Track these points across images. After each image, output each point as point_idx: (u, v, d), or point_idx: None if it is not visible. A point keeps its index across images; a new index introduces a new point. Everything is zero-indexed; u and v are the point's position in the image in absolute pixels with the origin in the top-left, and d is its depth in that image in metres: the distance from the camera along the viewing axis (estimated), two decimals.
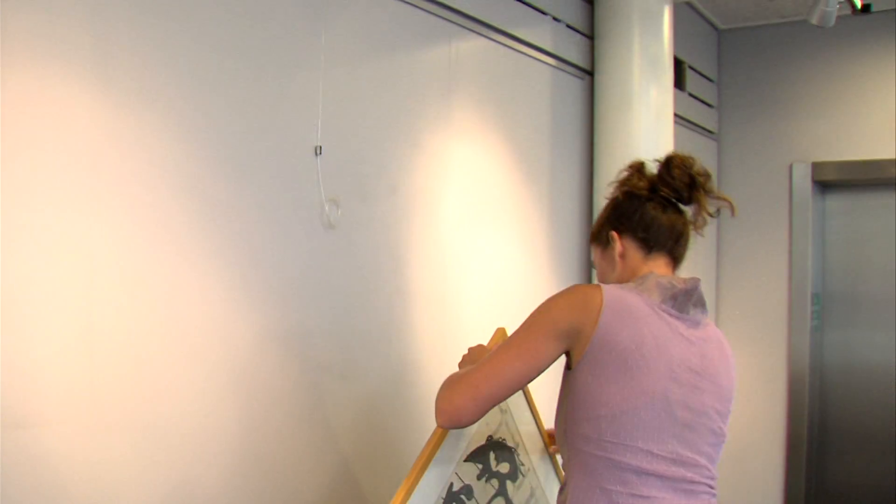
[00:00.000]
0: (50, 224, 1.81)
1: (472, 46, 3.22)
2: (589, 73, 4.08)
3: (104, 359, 1.90)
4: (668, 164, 1.92)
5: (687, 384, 1.77)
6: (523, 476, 2.29)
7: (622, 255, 1.94)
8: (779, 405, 5.21)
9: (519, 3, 3.50)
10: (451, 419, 1.80)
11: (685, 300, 1.83)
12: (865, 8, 4.14)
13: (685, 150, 2.00)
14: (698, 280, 1.87)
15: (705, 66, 5.36)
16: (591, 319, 1.74)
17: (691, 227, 1.96)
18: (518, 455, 2.29)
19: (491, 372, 1.77)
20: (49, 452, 1.79)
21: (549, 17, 3.73)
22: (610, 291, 1.80)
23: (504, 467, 2.24)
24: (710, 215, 1.95)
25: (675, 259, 1.96)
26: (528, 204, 3.52)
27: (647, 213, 1.91)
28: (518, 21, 3.49)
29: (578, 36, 4.00)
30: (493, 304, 3.23)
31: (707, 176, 1.94)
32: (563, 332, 1.78)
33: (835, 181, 5.27)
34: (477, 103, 3.22)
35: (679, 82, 4.79)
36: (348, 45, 2.57)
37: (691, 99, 5.10)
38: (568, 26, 3.90)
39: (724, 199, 1.96)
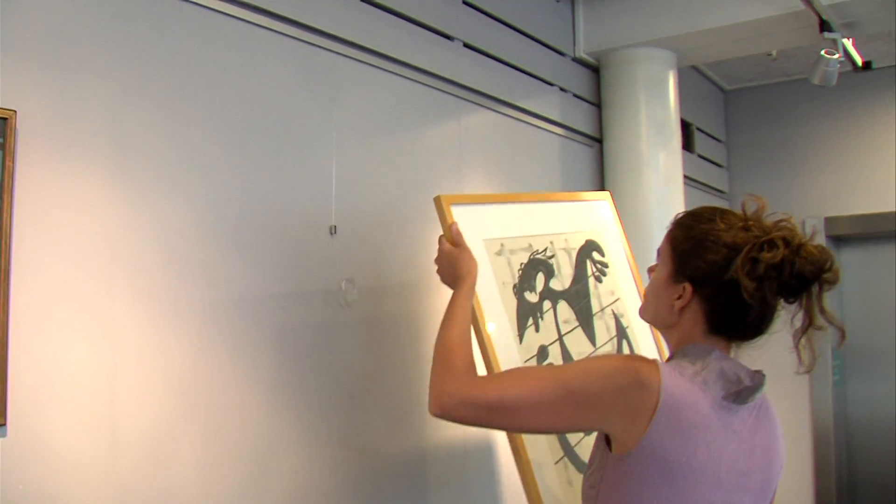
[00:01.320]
0: (71, 310, 1.82)
1: (481, 119, 3.25)
2: (598, 141, 4.10)
3: (126, 439, 1.90)
4: (799, 249, 1.56)
5: (731, 487, 1.57)
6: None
7: (681, 310, 1.65)
8: (805, 462, 5.11)
9: (525, 76, 3.54)
10: (447, 413, 1.65)
11: (748, 395, 1.59)
12: (867, 65, 4.16)
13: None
14: (763, 375, 1.65)
15: (713, 127, 5.39)
16: (643, 418, 1.49)
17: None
18: None
19: (517, 405, 1.58)
20: None
21: (556, 88, 3.77)
22: (669, 384, 1.51)
23: None
24: (818, 327, 1.59)
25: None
26: None
27: (742, 299, 1.56)
28: (525, 93, 3.52)
29: (586, 105, 4.04)
30: None
31: (835, 283, 1.58)
32: (605, 414, 1.55)
33: (848, 235, 5.25)
34: (487, 175, 3.24)
35: (688, 144, 4.82)
36: (359, 125, 2.60)
37: (701, 160, 5.12)
38: (575, 95, 3.94)
39: (838, 326, 1.60)
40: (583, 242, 2.42)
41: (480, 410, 1.61)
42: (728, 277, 1.55)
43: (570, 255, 2.35)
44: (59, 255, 1.81)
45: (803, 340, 1.60)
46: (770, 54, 4.80)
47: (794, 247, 1.54)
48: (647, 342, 2.56)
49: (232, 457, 2.13)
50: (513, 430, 1.74)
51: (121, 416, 1.90)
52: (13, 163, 1.71)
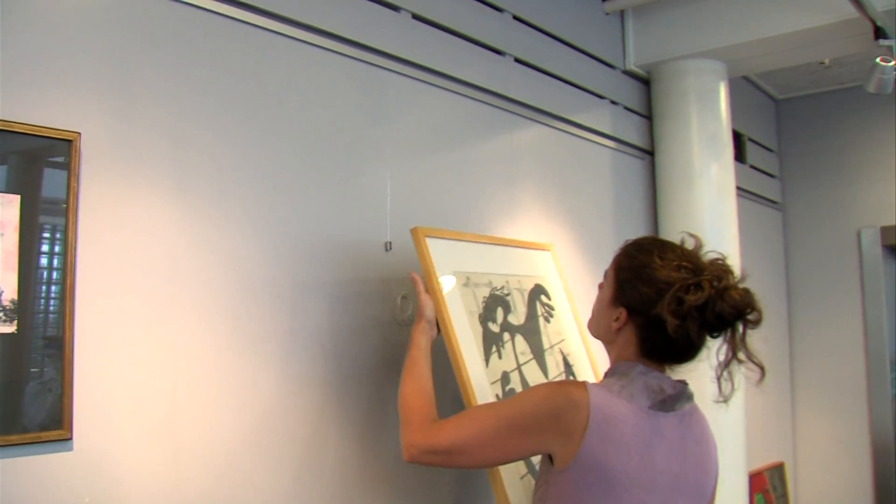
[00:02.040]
0: (133, 327, 1.84)
1: (533, 134, 3.23)
2: (649, 153, 4.07)
3: (187, 455, 1.91)
4: (724, 292, 1.65)
5: (666, 489, 1.68)
6: None
7: (618, 331, 1.78)
8: (864, 477, 4.99)
9: (576, 89, 3.52)
10: (415, 460, 1.83)
11: (672, 403, 1.71)
12: None
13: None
14: (686, 384, 1.77)
15: (765, 138, 5.31)
16: (577, 434, 1.62)
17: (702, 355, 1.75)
18: None
19: (466, 445, 1.75)
20: None
21: (606, 101, 3.74)
22: (596, 401, 1.64)
23: None
24: (739, 361, 1.70)
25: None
26: (592, 288, 3.47)
27: (664, 333, 1.67)
28: (576, 106, 3.50)
29: (637, 117, 4.00)
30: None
31: (758, 323, 1.69)
32: (543, 437, 1.67)
33: None
34: (540, 189, 3.22)
35: (740, 155, 4.75)
36: (412, 141, 2.60)
37: (753, 171, 5.05)
38: (626, 108, 3.91)
39: (758, 364, 1.70)
40: (532, 285, 2.61)
41: (440, 456, 1.79)
42: (655, 312, 1.67)
43: (522, 294, 2.54)
44: (122, 274, 1.83)
45: (725, 373, 1.72)
46: (823, 63, 4.72)
47: (720, 289, 1.65)
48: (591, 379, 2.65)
49: (290, 472, 2.13)
50: (473, 468, 1.87)
51: (182, 431, 1.91)
52: (77, 183, 1.73)
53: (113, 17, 1.88)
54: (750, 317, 1.67)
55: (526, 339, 2.44)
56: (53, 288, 1.71)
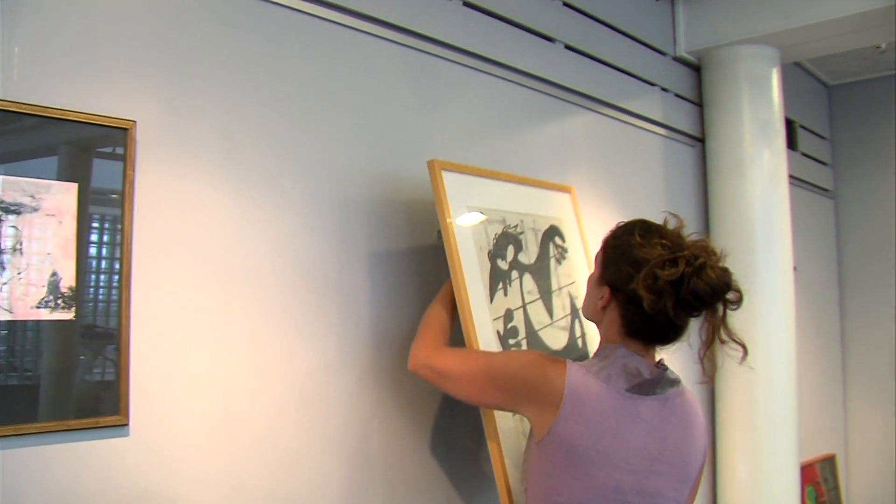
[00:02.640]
0: (188, 314, 1.84)
1: (583, 121, 3.19)
2: (700, 141, 3.99)
3: (240, 441, 1.91)
4: (700, 270, 1.65)
5: (642, 471, 1.69)
6: None
7: (603, 309, 1.79)
8: None
9: (626, 76, 3.46)
10: (415, 371, 2.01)
11: (650, 387, 1.72)
12: None
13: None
14: (665, 368, 1.77)
15: (817, 124, 5.20)
16: (550, 407, 1.69)
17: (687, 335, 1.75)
18: None
19: (454, 376, 1.92)
20: None
21: (657, 88, 3.68)
22: (573, 380, 1.69)
23: None
24: (721, 341, 1.70)
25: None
26: None
27: (645, 311, 1.67)
28: (626, 93, 3.45)
29: (687, 104, 3.93)
30: None
31: (738, 303, 1.70)
32: (516, 399, 1.79)
33: None
34: (591, 177, 3.18)
35: (791, 142, 4.65)
36: (462, 128, 2.58)
37: (804, 158, 4.94)
38: (677, 95, 3.84)
39: (739, 342, 1.71)
40: (547, 226, 2.58)
41: (434, 374, 1.96)
42: (632, 288, 1.68)
43: (536, 234, 2.51)
44: (177, 262, 1.83)
45: (708, 353, 1.71)
46: (878, 47, 4.59)
47: (696, 266, 1.64)
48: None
49: (344, 461, 2.13)
50: (456, 397, 1.95)
51: (236, 417, 1.91)
52: (133, 172, 1.73)
53: (167, 4, 1.87)
54: (729, 297, 1.68)
55: (534, 278, 2.43)
56: (110, 276, 1.71)
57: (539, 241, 2.51)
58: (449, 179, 2.19)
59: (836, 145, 5.39)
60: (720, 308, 1.69)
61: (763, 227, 3.78)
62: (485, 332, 2.12)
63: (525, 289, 2.38)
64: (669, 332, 1.73)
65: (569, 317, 2.54)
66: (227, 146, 1.95)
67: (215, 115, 1.93)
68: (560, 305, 2.51)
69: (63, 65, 1.68)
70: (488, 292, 2.21)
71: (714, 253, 1.69)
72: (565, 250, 2.63)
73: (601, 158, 3.27)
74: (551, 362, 1.75)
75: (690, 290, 1.63)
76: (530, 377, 1.75)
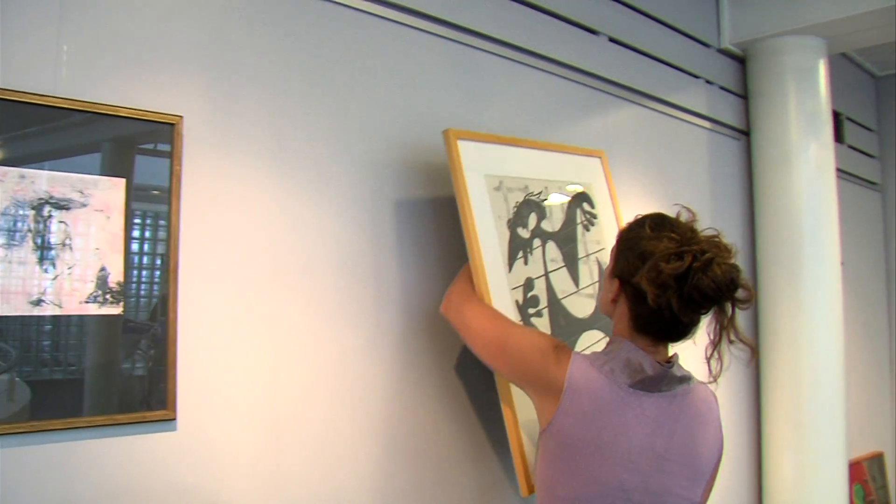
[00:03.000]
0: (235, 309, 1.84)
1: (628, 114, 3.15)
2: (745, 134, 3.92)
3: (288, 436, 1.91)
4: (706, 266, 1.59)
5: (646, 470, 1.64)
6: None
7: (614, 302, 1.76)
8: None
9: (670, 69, 3.41)
10: (444, 314, 2.05)
11: (653, 384, 1.67)
12: None
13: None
14: (671, 365, 1.70)
15: (864, 116, 5.09)
16: (551, 397, 1.68)
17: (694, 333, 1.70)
18: None
19: (472, 332, 1.94)
20: None
21: (701, 81, 3.62)
22: (575, 372, 1.66)
23: None
24: (730, 341, 1.65)
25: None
26: None
27: (652, 306, 1.62)
28: (671, 86, 3.40)
29: (732, 97, 3.86)
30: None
31: (747, 302, 1.63)
32: (517, 372, 1.82)
33: None
34: (636, 171, 3.14)
35: (838, 135, 4.55)
36: (508, 121, 2.54)
37: (851, 151, 4.85)
38: (721, 88, 3.78)
39: (748, 343, 1.65)
40: (575, 192, 2.53)
41: (460, 322, 1.99)
42: (636, 280, 1.63)
43: (562, 201, 2.47)
44: (224, 256, 1.83)
45: (715, 353, 1.66)
46: None
47: (703, 262, 1.58)
48: None
49: (394, 455, 2.12)
50: (473, 352, 1.96)
51: (283, 412, 1.90)
52: (180, 167, 1.73)
53: (212, 0, 1.87)
54: (738, 295, 1.62)
55: (559, 246, 2.39)
56: (156, 272, 1.71)
57: (565, 207, 2.46)
58: (466, 148, 2.14)
59: (883, 137, 5.28)
60: (728, 306, 1.63)
61: (810, 221, 3.71)
62: (502, 302, 2.09)
63: (548, 257, 2.34)
64: (676, 329, 1.67)
65: (596, 284, 2.49)
66: (271, 141, 1.94)
67: (260, 110, 1.93)
68: (587, 272, 2.46)
69: (110, 61, 1.68)
70: (507, 261, 2.17)
71: (724, 249, 1.63)
72: (594, 216, 2.58)
73: (646, 152, 3.23)
74: (557, 352, 1.72)
75: (694, 286, 1.57)
76: (534, 363, 1.74)
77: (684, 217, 1.72)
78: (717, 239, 1.65)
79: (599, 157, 2.70)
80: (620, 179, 3.00)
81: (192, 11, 1.83)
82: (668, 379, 1.68)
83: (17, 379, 1.53)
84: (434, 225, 2.30)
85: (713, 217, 3.61)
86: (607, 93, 3.02)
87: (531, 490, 1.96)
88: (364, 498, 2.06)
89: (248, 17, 1.93)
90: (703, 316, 1.66)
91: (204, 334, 1.78)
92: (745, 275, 1.62)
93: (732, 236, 3.69)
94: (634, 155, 3.15)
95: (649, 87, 3.24)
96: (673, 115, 3.42)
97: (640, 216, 1.78)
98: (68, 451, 1.58)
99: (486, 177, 2.19)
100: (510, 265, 2.18)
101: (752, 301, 1.64)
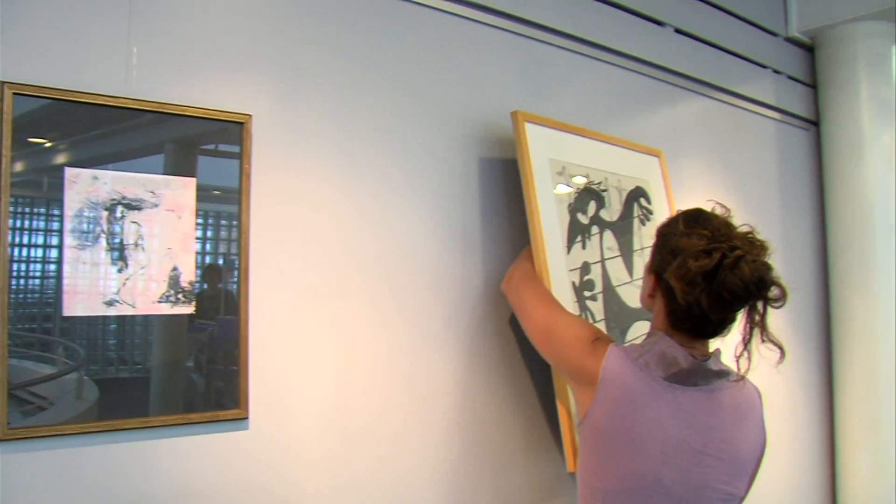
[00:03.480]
0: (305, 308, 1.83)
1: (695, 107, 3.08)
2: (815, 124, 3.81)
3: (358, 434, 1.90)
4: (735, 263, 1.55)
5: (684, 464, 1.60)
6: None
7: (651, 298, 1.74)
8: None
9: (737, 59, 3.32)
10: (504, 291, 2.09)
11: (688, 377, 1.63)
12: None
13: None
14: (706, 358, 1.65)
15: None
16: (588, 388, 1.67)
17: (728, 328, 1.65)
18: None
19: (525, 313, 1.96)
20: None
21: (769, 70, 3.53)
22: (610, 364, 1.64)
23: None
24: (761, 339, 1.60)
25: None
26: None
27: (681, 303, 1.60)
28: (737, 76, 3.31)
29: (801, 86, 3.76)
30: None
31: (780, 300, 1.58)
32: (558, 363, 1.84)
33: None
34: (704, 164, 3.07)
35: None
36: (574, 114, 2.49)
37: None
38: (789, 77, 3.67)
39: (776, 343, 1.60)
40: (633, 186, 2.52)
41: (517, 302, 2.02)
42: (667, 276, 1.61)
43: (620, 193, 2.47)
44: (293, 255, 1.81)
45: (745, 351, 1.61)
46: None
47: (732, 259, 1.54)
48: None
49: (467, 456, 2.09)
50: (525, 331, 1.98)
51: (353, 410, 1.89)
52: (249, 166, 1.72)
53: None
54: (771, 294, 1.56)
55: (616, 235, 2.40)
56: (228, 271, 1.71)
57: (623, 199, 2.47)
58: (532, 132, 2.15)
59: None
60: (759, 305, 1.58)
61: (883, 212, 3.58)
62: (560, 282, 2.09)
63: (605, 244, 2.35)
64: (708, 326, 1.63)
65: None
66: (340, 139, 1.92)
67: (328, 108, 1.91)
68: (641, 265, 2.42)
69: (179, 62, 1.68)
70: (566, 243, 2.18)
71: (757, 246, 1.58)
72: (650, 212, 2.58)
73: (714, 145, 3.15)
74: (595, 344, 1.72)
75: (722, 284, 1.54)
76: (573, 352, 1.75)
77: (719, 212, 1.68)
78: (750, 235, 1.61)
79: (658, 156, 2.68)
80: (684, 172, 2.94)
81: (261, 11, 1.82)
82: (703, 372, 1.65)
83: (85, 378, 1.53)
84: (500, 216, 2.27)
85: (782, 210, 3.52)
86: (672, 84, 2.96)
87: None
88: (433, 494, 2.04)
89: (315, 16, 1.91)
90: (735, 313, 1.62)
91: (274, 333, 1.77)
92: (776, 273, 1.57)
93: (802, 229, 3.62)
94: (699, 147, 3.08)
95: (715, 77, 3.16)
96: (739, 107, 3.33)
97: (679, 211, 1.75)
98: (143, 449, 1.58)
99: (551, 160, 2.20)
100: (569, 248, 2.19)
101: (784, 300, 1.58)
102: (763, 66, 3.50)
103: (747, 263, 1.54)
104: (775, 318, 1.60)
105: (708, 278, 1.55)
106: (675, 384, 1.62)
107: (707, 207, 1.70)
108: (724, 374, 1.68)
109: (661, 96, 2.91)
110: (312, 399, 1.82)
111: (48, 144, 1.52)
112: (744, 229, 1.63)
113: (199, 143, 1.69)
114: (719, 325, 1.63)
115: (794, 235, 3.60)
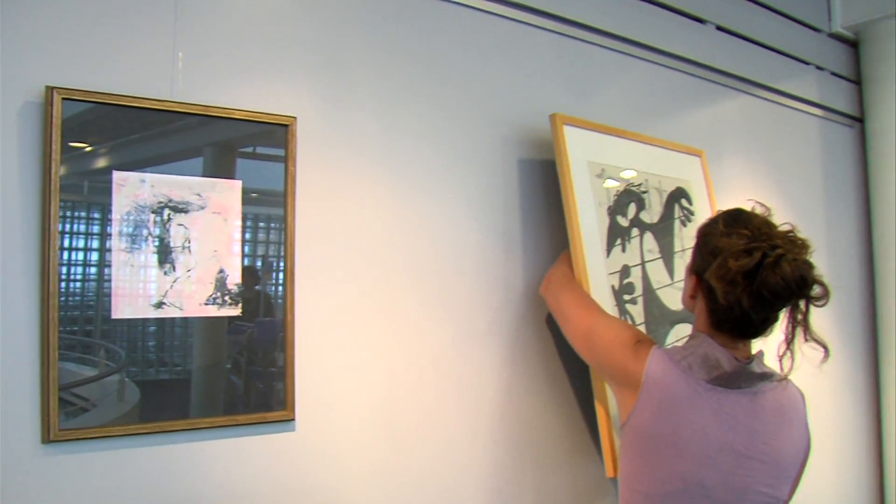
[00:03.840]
0: (351, 310, 1.83)
1: (737, 104, 3.04)
2: (859, 121, 3.75)
3: (404, 436, 1.89)
4: (776, 262, 1.52)
5: (727, 467, 1.59)
6: None
7: (693, 299, 1.72)
8: None
9: (779, 56, 3.27)
10: (543, 295, 2.08)
11: (731, 380, 1.61)
12: None
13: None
14: (749, 361, 1.63)
15: None
16: (631, 391, 1.66)
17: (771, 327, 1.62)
18: None
19: (564, 317, 1.96)
20: None
21: (812, 67, 3.47)
22: (652, 367, 1.63)
23: None
24: (804, 339, 1.57)
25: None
26: None
27: (722, 303, 1.58)
28: (780, 73, 3.27)
29: (844, 83, 3.69)
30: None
31: (823, 299, 1.55)
32: (600, 366, 1.82)
33: None
34: (747, 163, 3.03)
35: None
36: (615, 114, 2.47)
37: None
38: (833, 74, 3.61)
39: (820, 342, 1.56)
40: (674, 188, 2.50)
41: (556, 306, 2.01)
42: (707, 276, 1.59)
43: (661, 195, 2.45)
44: (339, 256, 1.81)
45: (788, 351, 1.58)
46: None
47: (773, 258, 1.52)
48: None
49: (511, 458, 2.08)
50: (565, 335, 1.97)
51: (399, 412, 1.88)
52: (295, 167, 1.72)
53: (322, 0, 1.86)
54: (813, 293, 1.54)
55: (656, 238, 2.38)
56: (274, 273, 1.71)
57: (664, 201, 2.45)
58: (571, 134, 2.13)
59: None
60: (802, 304, 1.55)
61: None
62: (599, 285, 2.08)
63: (645, 247, 2.33)
64: (750, 326, 1.61)
65: None
66: (383, 139, 1.92)
67: (373, 109, 1.91)
68: (682, 267, 2.42)
69: (224, 65, 1.68)
70: (605, 247, 2.17)
71: (798, 245, 1.56)
72: (692, 213, 2.55)
73: (756, 142, 3.11)
74: (637, 347, 1.71)
75: (763, 283, 1.52)
76: (615, 356, 1.74)
77: (759, 211, 1.66)
78: (791, 234, 1.59)
79: (699, 156, 2.65)
80: (727, 171, 2.90)
81: (304, 13, 1.82)
82: (746, 375, 1.63)
83: (126, 379, 1.54)
84: (540, 218, 2.25)
85: (826, 208, 3.47)
86: (714, 82, 2.92)
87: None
88: (478, 498, 2.02)
89: (358, 17, 1.91)
90: (778, 313, 1.59)
91: (320, 335, 1.77)
92: (819, 271, 1.54)
93: (846, 228, 3.56)
94: (742, 145, 3.04)
95: (757, 75, 3.12)
96: (782, 104, 3.28)
97: (719, 211, 1.73)
98: (186, 451, 1.58)
99: (590, 163, 2.18)
100: (608, 251, 2.18)
101: (828, 298, 1.55)
102: (806, 63, 3.44)
103: (788, 262, 1.52)
104: (819, 318, 1.57)
105: (748, 278, 1.53)
106: (718, 387, 1.60)
107: (747, 207, 1.67)
108: (767, 376, 1.66)
109: (703, 95, 2.87)
110: (358, 402, 1.82)
111: (89, 149, 1.52)
112: (784, 228, 1.61)
113: (244, 146, 1.69)
114: (761, 325, 1.61)
115: (838, 233, 3.54)
